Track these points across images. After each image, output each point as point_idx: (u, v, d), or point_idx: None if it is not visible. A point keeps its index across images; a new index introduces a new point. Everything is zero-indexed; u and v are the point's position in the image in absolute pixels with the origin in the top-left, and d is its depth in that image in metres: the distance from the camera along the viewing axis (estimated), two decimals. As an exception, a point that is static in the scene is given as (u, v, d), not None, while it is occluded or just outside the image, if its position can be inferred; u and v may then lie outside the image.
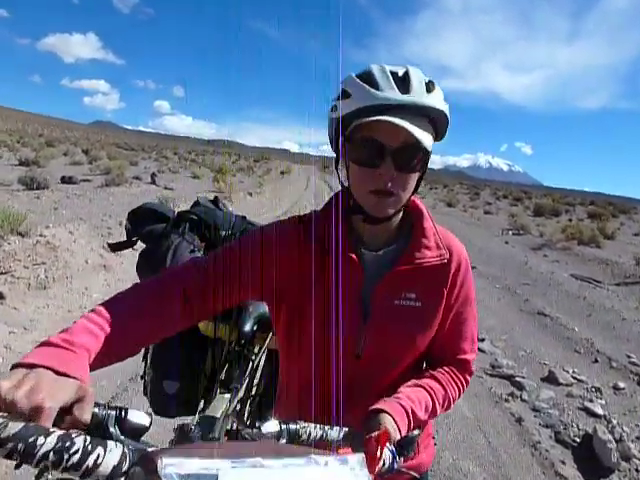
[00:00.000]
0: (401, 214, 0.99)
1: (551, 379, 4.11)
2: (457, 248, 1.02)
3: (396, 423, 0.85)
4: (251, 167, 38.80)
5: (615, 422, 3.39)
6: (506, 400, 3.66)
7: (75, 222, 6.31)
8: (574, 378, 4.17)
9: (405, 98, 0.85)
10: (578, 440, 3.15)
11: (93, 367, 0.71)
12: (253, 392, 1.66)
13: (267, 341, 1.47)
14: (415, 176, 0.93)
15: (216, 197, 1.76)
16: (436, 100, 0.88)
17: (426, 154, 0.91)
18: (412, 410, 0.90)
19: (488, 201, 31.64)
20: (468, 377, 1.07)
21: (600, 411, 3.56)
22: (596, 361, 4.66)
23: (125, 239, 1.59)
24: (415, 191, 0.96)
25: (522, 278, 8.01)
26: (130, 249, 1.61)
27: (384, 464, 0.73)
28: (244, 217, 1.65)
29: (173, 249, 1.44)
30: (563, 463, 2.91)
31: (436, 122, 0.92)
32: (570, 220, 19.96)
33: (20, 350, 3.48)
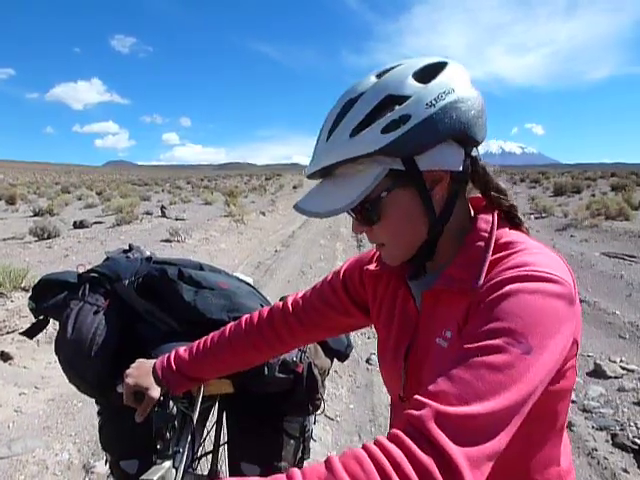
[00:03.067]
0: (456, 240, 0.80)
1: (598, 373, 3.78)
2: (506, 272, 0.67)
3: None
4: (263, 186, 38.98)
5: (678, 415, 3.06)
6: (552, 403, 3.36)
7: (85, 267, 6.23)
8: (623, 369, 3.82)
9: (314, 162, 0.76)
10: (639, 442, 2.82)
11: (201, 374, 1.11)
12: (202, 449, 1.52)
13: (202, 390, 1.29)
14: (399, 214, 0.75)
15: (130, 245, 1.68)
16: (355, 145, 0.71)
17: (385, 192, 0.73)
18: None
19: (505, 187, 30.97)
20: (418, 451, 0.54)
21: (659, 404, 3.22)
22: (645, 346, 4.30)
23: (34, 322, 1.50)
24: (445, 209, 0.76)
25: (551, 264, 7.64)
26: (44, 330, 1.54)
27: None
28: (149, 258, 1.54)
29: (73, 317, 1.35)
30: (626, 472, 2.60)
31: (390, 152, 0.70)
32: (593, 195, 19.32)
33: (32, 411, 3.33)
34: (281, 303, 1.10)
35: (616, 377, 3.70)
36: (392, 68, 0.74)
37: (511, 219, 0.79)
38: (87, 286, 1.44)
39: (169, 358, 1.10)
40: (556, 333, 0.62)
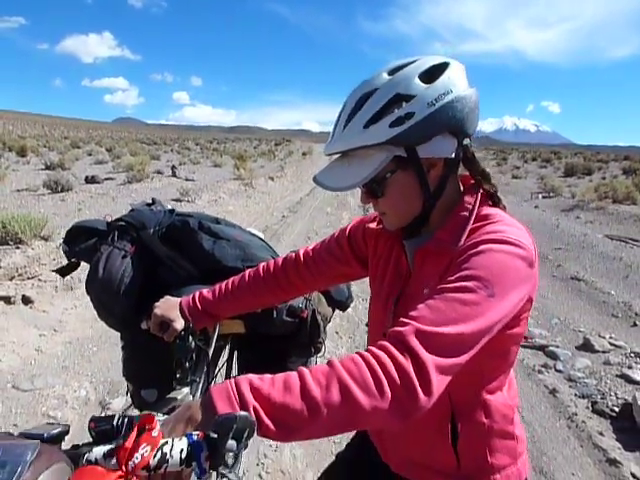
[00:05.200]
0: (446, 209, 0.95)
1: (587, 347, 3.96)
2: (482, 235, 0.83)
3: (211, 402, 0.68)
4: (272, 151, 38.79)
5: (657, 388, 3.24)
6: (539, 372, 3.54)
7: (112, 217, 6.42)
8: (611, 344, 4.00)
9: (333, 145, 0.91)
10: (617, 410, 3.02)
11: (220, 311, 1.26)
12: (215, 382, 1.69)
13: (217, 329, 1.45)
14: (400, 191, 0.91)
15: (153, 199, 1.82)
16: (368, 135, 0.86)
17: (389, 173, 0.89)
18: (238, 384, 0.69)
19: (516, 165, 30.68)
20: (400, 356, 0.70)
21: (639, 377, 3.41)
22: (635, 325, 4.46)
23: (66, 263, 1.66)
24: (437, 188, 0.92)
25: (554, 243, 7.74)
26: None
27: (158, 460, 0.61)
28: (172, 211, 1.69)
29: (104, 259, 1.50)
30: (602, 434, 2.80)
31: (395, 143, 0.85)
32: (603, 178, 19.19)
33: (51, 352, 3.57)
34: (294, 254, 1.26)
35: (604, 352, 3.88)
36: (402, 67, 0.87)
37: (492, 198, 0.95)
38: (116, 233, 1.58)
39: (194, 297, 1.26)
40: (516, 286, 0.79)
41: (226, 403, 0.68)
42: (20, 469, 0.54)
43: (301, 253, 1.25)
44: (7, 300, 3.88)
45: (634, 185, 12.93)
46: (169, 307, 1.24)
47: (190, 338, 1.34)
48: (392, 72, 0.87)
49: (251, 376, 0.72)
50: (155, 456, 0.61)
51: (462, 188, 0.97)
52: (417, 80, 0.85)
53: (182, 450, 0.62)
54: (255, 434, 0.66)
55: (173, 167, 15.34)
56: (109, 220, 1.67)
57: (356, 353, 0.74)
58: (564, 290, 5.49)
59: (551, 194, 13.59)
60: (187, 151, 36.07)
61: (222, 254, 1.53)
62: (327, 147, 0.93)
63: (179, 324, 1.22)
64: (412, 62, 0.88)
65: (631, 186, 12.55)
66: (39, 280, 4.26)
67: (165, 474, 0.63)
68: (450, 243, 0.88)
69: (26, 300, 3.99)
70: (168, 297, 1.28)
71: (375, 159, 0.87)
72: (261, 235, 1.77)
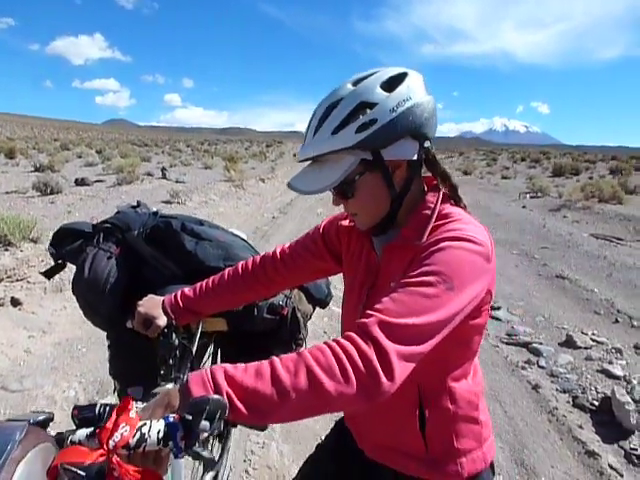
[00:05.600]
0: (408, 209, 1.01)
1: (569, 343, 4.04)
2: (442, 232, 0.90)
3: (187, 387, 0.74)
4: (263, 152, 38.78)
5: (635, 382, 3.32)
6: (522, 368, 3.62)
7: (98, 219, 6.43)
8: (593, 340, 4.09)
9: (304, 151, 0.96)
10: (597, 403, 3.10)
11: (203, 308, 1.31)
12: None
13: (200, 327, 1.49)
14: (368, 192, 0.97)
15: (138, 201, 1.88)
16: (336, 141, 0.92)
17: (357, 175, 0.95)
18: (213, 372, 0.76)
19: (506, 165, 30.99)
20: (364, 345, 0.76)
21: (620, 372, 3.49)
22: (616, 321, 4.56)
23: (53, 264, 1.69)
24: (402, 189, 0.98)
25: (540, 242, 7.86)
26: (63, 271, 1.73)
27: (137, 440, 0.66)
28: (156, 213, 1.74)
29: (90, 260, 1.55)
30: (581, 427, 2.88)
31: (361, 147, 0.91)
32: (590, 178, 19.43)
33: (40, 353, 3.59)
34: (271, 252, 1.31)
35: (586, 348, 3.97)
36: (365, 78, 0.94)
37: (453, 197, 1.02)
38: (101, 235, 1.63)
39: (176, 295, 1.31)
40: (473, 280, 0.85)
41: (201, 388, 0.73)
42: (10, 447, 0.59)
43: (278, 250, 1.30)
44: (-4, 302, 3.89)
45: (620, 185, 13.13)
46: (152, 305, 1.28)
47: (173, 335, 1.37)
48: (356, 83, 0.93)
49: (226, 365, 0.77)
50: (134, 436, 0.66)
51: (426, 188, 1.03)
52: (379, 89, 0.91)
53: (159, 431, 0.67)
54: (228, 416, 0.71)
55: (163, 169, 15.31)
56: (95, 222, 1.72)
57: (324, 343, 0.79)
58: (549, 288, 5.59)
59: (539, 194, 13.76)
60: (178, 153, 35.98)
61: (204, 254, 1.57)
62: (299, 154, 0.99)
63: (162, 321, 1.26)
64: (374, 73, 0.94)
65: (617, 185, 12.74)
66: (28, 282, 4.27)
67: (145, 453, 0.68)
68: (414, 240, 0.94)
69: (15, 302, 4.00)
70: (152, 295, 1.33)
71: (344, 163, 0.93)
72: (243, 236, 1.81)
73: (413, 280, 0.84)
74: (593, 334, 4.24)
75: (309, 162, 0.99)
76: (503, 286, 5.62)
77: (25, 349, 3.60)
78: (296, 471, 1.34)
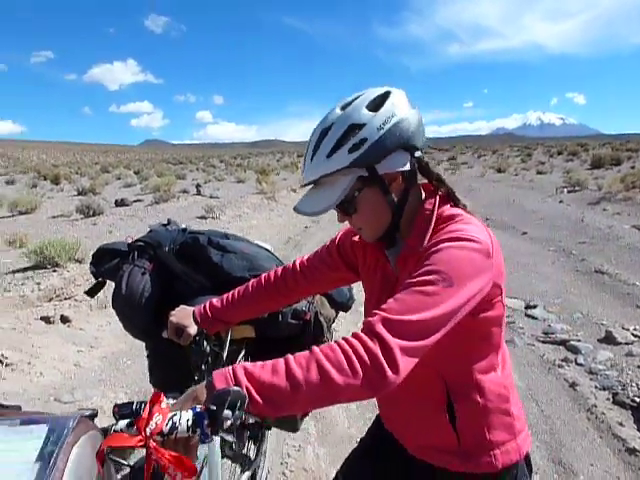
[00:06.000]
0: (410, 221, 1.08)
1: (609, 339, 3.94)
2: (442, 234, 0.97)
3: (211, 382, 0.83)
4: (295, 163, 39.19)
5: (680, 377, 3.22)
6: (559, 366, 3.56)
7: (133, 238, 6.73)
8: (635, 336, 3.98)
9: (305, 176, 1.05)
10: (638, 400, 3.02)
11: (232, 318, 1.41)
12: None
13: (229, 334, 1.57)
14: (369, 207, 1.04)
15: (168, 219, 1.98)
16: (332, 163, 0.99)
17: (356, 192, 1.02)
18: (234, 369, 0.85)
19: (541, 160, 30.16)
20: (370, 342, 0.83)
21: (662, 367, 3.39)
22: (660, 315, 4.41)
23: (94, 282, 1.82)
24: (401, 199, 1.04)
25: (578, 237, 7.65)
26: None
27: (169, 427, 0.77)
28: (184, 229, 1.85)
29: (126, 277, 1.66)
30: (621, 425, 2.82)
31: (356, 165, 0.99)
32: (632, 167, 18.68)
33: (89, 366, 3.80)
34: (291, 264, 1.40)
35: (626, 343, 3.86)
36: (352, 101, 1.02)
37: (451, 199, 1.07)
38: (135, 253, 1.75)
39: (205, 306, 1.41)
40: (473, 276, 0.90)
41: (223, 383, 0.82)
42: (65, 433, 0.71)
43: (297, 262, 1.39)
44: (47, 320, 4.15)
45: (663, 173, 12.59)
46: (184, 315, 1.39)
47: (205, 343, 1.47)
48: (344, 107, 1.01)
49: (246, 363, 0.86)
50: (167, 424, 0.77)
51: (424, 195, 1.09)
52: (365, 110, 0.99)
53: (188, 419, 0.78)
54: (247, 407, 0.80)
55: (197, 185, 15.76)
56: (130, 241, 1.85)
57: (333, 341, 0.87)
58: (587, 284, 5.45)
59: (576, 188, 13.36)
60: (212, 168, 36.87)
61: (230, 266, 1.67)
62: (301, 180, 1.08)
63: (192, 329, 1.37)
64: (360, 96, 1.02)
65: (660, 174, 12.23)
66: (75, 300, 4.54)
67: (176, 440, 0.79)
68: (418, 246, 1.00)
69: (64, 319, 4.25)
70: (183, 306, 1.43)
71: (342, 182, 1.00)
72: (268, 247, 1.91)
73: (414, 280, 0.90)
74: (634, 329, 4.11)
75: (311, 186, 1.07)
76: (539, 284, 5.53)
77: (75, 363, 3.83)
78: (333, 473, 1.41)
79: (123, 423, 0.80)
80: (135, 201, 13.29)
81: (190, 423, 0.78)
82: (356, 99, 1.02)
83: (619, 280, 5.41)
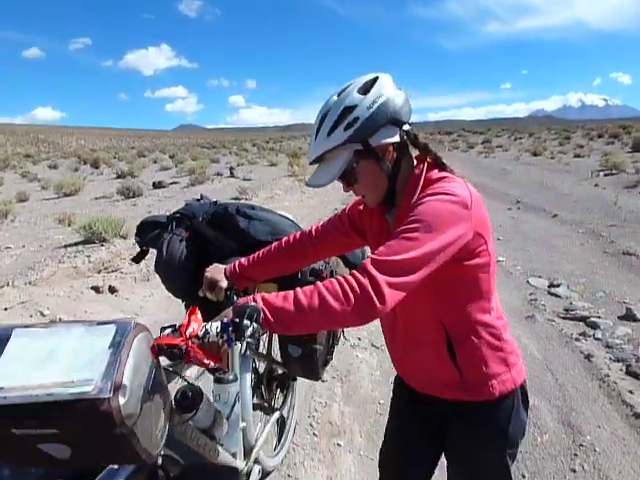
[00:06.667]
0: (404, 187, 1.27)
1: (629, 316, 4.04)
2: (427, 191, 1.16)
3: (236, 305, 1.08)
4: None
5: (695, 352, 3.31)
6: (577, 339, 3.70)
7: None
8: (656, 313, 4.06)
9: (311, 155, 1.22)
10: (651, 371, 3.15)
11: (256, 275, 1.61)
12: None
13: (256, 290, 1.80)
14: (367, 176, 1.23)
15: (201, 195, 2.24)
16: (332, 140, 1.18)
17: (355, 164, 1.20)
18: (254, 297, 1.09)
19: (580, 144, 29.23)
20: (362, 277, 1.03)
21: (679, 342, 3.48)
22: (684, 295, 4.45)
23: (139, 250, 2.10)
24: (394, 167, 1.23)
25: (609, 220, 7.60)
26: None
27: (203, 332, 1.05)
28: (215, 202, 2.10)
29: (166, 244, 1.93)
30: (631, 393, 2.96)
31: (351, 141, 1.18)
32: (676, 150, 17.96)
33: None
34: (308, 229, 1.62)
35: (646, 320, 3.95)
36: (346, 88, 1.21)
37: (438, 165, 1.25)
38: (173, 223, 2.01)
39: (234, 264, 1.61)
40: (452, 224, 1.08)
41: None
42: (128, 330, 0.95)
43: (314, 228, 1.61)
44: (97, 289, 4.55)
45: None
46: (216, 271, 1.60)
47: (235, 298, 1.73)
48: (339, 94, 1.21)
49: (263, 293, 1.11)
50: (201, 330, 1.05)
51: (415, 163, 1.29)
52: (356, 94, 1.18)
53: (217, 327, 1.05)
54: (262, 323, 1.05)
55: (231, 168, 16.15)
56: (168, 214, 2.12)
57: (334, 277, 1.09)
58: (614, 265, 5.49)
59: (613, 171, 13.04)
60: (245, 152, 37.35)
61: (255, 231, 1.92)
62: (308, 158, 1.27)
63: (224, 283, 1.56)
64: (352, 83, 1.21)
65: (703, 157, 11.79)
66: (121, 272, 4.92)
67: (209, 343, 1.06)
68: (409, 204, 1.19)
69: (112, 289, 4.64)
70: (216, 264, 1.64)
71: (342, 157, 1.19)
72: (290, 216, 2.14)
73: (401, 229, 1.09)
74: (656, 308, 4.18)
75: (318, 164, 1.26)
76: (565, 264, 5.60)
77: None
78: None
79: (169, 329, 1.07)
80: (172, 183, 13.79)
81: (218, 330, 1.04)
82: (349, 86, 1.21)
83: (647, 261, 5.43)
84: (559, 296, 4.67)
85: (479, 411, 1.29)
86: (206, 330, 1.05)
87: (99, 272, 4.89)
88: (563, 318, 4.15)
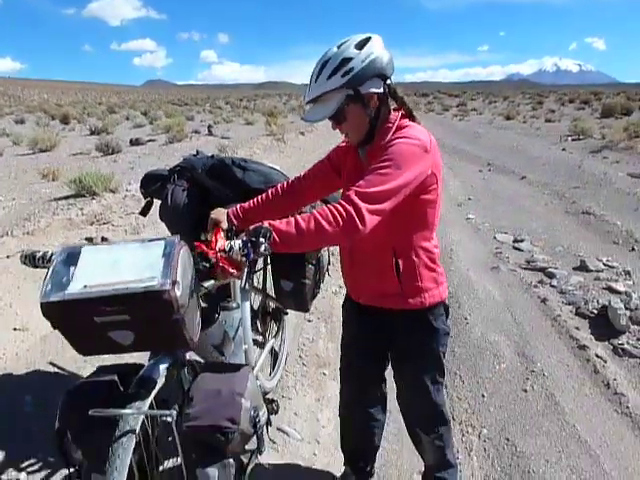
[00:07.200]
0: (383, 128, 1.53)
1: (582, 267, 4.50)
2: (396, 135, 1.44)
3: (250, 229, 1.33)
4: (302, 106, 38.73)
5: (635, 296, 3.76)
6: (535, 286, 4.14)
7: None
8: (605, 265, 4.52)
9: (311, 94, 1.47)
10: (595, 312, 3.61)
11: (258, 215, 1.69)
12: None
13: None
14: (354, 117, 1.48)
15: (197, 150, 2.46)
16: (329, 84, 1.42)
17: (345, 106, 1.45)
18: (269, 223, 1.33)
19: (551, 109, 29.81)
20: (347, 205, 1.30)
21: (622, 288, 3.95)
22: (633, 249, 4.94)
23: (144, 202, 2.30)
24: (376, 113, 1.50)
25: (573, 182, 8.08)
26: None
27: (229, 247, 1.31)
28: (212, 156, 2.31)
29: (170, 194, 2.15)
30: (578, 329, 3.41)
31: (346, 86, 1.42)
32: (641, 117, 18.61)
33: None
34: (298, 175, 1.85)
35: (597, 271, 4.41)
36: (345, 42, 1.44)
37: (410, 116, 1.54)
38: (175, 175, 2.22)
39: (236, 207, 1.80)
40: (414, 162, 1.37)
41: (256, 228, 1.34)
42: (175, 242, 1.22)
43: (302, 174, 1.84)
44: (90, 240, 4.74)
45: (667, 123, 12.73)
46: (219, 213, 1.78)
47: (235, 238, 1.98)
48: (339, 46, 1.44)
49: (270, 221, 1.36)
50: (227, 245, 1.33)
51: (391, 112, 1.55)
52: (353, 48, 1.42)
53: (239, 244, 1.31)
54: (271, 242, 1.30)
55: (209, 126, 16.03)
56: (169, 168, 2.32)
57: (325, 205, 1.35)
58: (573, 223, 5.96)
59: (581, 136, 13.56)
60: (219, 110, 36.61)
61: (250, 180, 2.15)
62: (306, 98, 1.51)
63: (225, 225, 1.73)
64: (349, 39, 1.45)
65: (664, 124, 12.38)
66: (112, 225, 5.11)
67: (232, 256, 1.32)
68: (381, 143, 1.48)
69: (104, 241, 4.83)
70: (219, 208, 1.82)
71: (336, 99, 1.44)
72: (278, 167, 2.36)
73: (376, 166, 1.37)
74: (607, 260, 4.65)
75: (312, 104, 1.51)
76: (530, 222, 6.04)
77: (118, 277, 4.44)
78: (338, 361, 1.95)
79: (203, 245, 1.36)
80: (149, 141, 13.65)
81: (241, 246, 1.31)
82: (347, 41, 1.45)
83: (603, 220, 5.91)
84: (522, 250, 5.11)
85: (415, 315, 1.62)
86: (231, 246, 1.31)
87: (92, 224, 5.07)
88: (524, 269, 4.59)
